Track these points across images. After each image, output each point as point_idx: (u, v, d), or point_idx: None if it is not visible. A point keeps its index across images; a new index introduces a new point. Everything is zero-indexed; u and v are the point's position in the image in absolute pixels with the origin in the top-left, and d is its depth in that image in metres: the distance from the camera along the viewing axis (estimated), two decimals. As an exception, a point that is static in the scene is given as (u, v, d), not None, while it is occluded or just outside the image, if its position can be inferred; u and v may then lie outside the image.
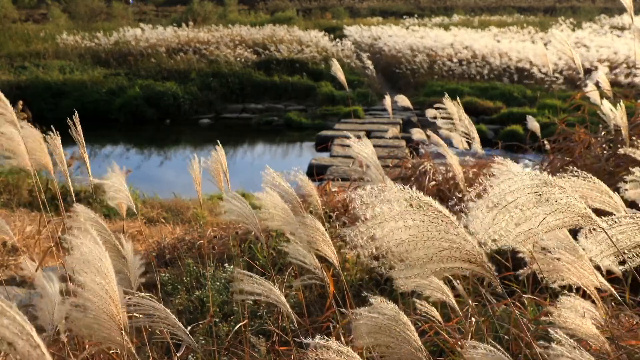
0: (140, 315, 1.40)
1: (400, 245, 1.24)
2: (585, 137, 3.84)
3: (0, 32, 19.82)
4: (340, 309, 2.13)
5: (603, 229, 1.28)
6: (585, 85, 4.24)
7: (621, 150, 2.41)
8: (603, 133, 3.83)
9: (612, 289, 1.62)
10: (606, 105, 3.28)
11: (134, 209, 2.18)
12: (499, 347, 1.26)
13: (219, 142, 2.33)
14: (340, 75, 4.63)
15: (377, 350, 1.34)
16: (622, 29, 19.40)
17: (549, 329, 1.38)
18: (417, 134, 5.00)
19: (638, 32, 3.80)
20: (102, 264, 1.15)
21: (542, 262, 1.64)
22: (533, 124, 4.45)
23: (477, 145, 4.04)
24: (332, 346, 1.11)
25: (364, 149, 2.28)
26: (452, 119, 3.94)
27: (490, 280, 1.30)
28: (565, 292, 1.78)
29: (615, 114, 3.02)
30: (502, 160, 1.53)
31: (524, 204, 1.20)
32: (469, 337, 1.96)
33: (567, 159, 3.73)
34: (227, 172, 2.25)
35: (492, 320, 2.18)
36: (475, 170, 4.44)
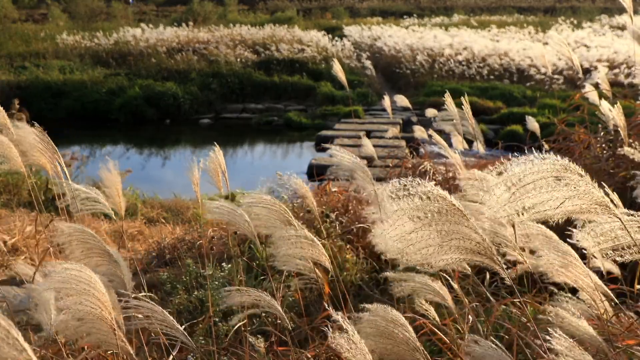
0: (140, 315, 1.40)
1: (413, 233, 1.26)
2: (585, 137, 3.84)
3: (0, 32, 19.82)
4: (337, 312, 2.13)
5: (620, 218, 1.27)
6: (584, 86, 4.24)
7: (620, 151, 2.41)
8: (602, 133, 3.83)
9: (609, 291, 1.61)
10: (605, 106, 3.28)
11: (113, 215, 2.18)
12: (499, 344, 1.26)
13: (216, 143, 2.34)
14: (341, 76, 4.63)
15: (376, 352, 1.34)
16: (623, 28, 19.40)
17: (548, 328, 1.38)
18: (418, 131, 5.00)
19: (635, 33, 3.80)
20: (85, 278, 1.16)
21: (532, 263, 1.63)
22: (532, 124, 4.45)
23: (479, 145, 4.04)
24: (347, 332, 1.12)
25: (346, 156, 2.29)
26: (452, 119, 3.94)
27: (499, 272, 1.30)
28: (562, 293, 1.78)
29: (614, 115, 3.02)
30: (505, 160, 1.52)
31: (542, 186, 1.21)
32: (465, 336, 1.96)
33: (567, 159, 3.72)
34: (225, 172, 2.25)
35: (489, 320, 2.18)
36: (475, 170, 4.43)
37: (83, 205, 2.05)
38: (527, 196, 1.20)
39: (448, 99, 3.50)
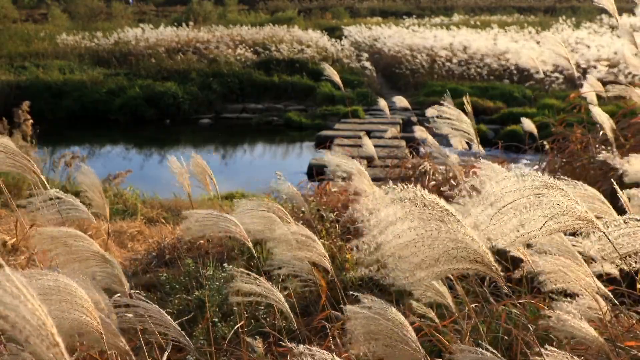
0: (131, 315, 1.40)
1: (405, 248, 1.18)
2: (582, 137, 3.85)
3: (0, 32, 19.82)
4: (336, 311, 2.13)
5: (604, 232, 1.25)
6: (581, 86, 4.27)
7: (600, 157, 2.41)
8: (601, 133, 3.84)
9: (609, 293, 1.61)
10: (596, 110, 3.30)
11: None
12: (491, 349, 1.25)
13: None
14: (335, 78, 4.66)
15: (374, 352, 1.33)
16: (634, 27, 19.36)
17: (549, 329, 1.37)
18: (419, 132, 5.00)
19: (626, 33, 3.82)
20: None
21: (536, 265, 1.63)
22: (529, 125, 4.46)
23: (476, 146, 4.04)
24: (316, 354, 1.07)
25: (344, 162, 2.25)
26: (451, 119, 3.94)
27: (496, 280, 1.25)
28: (561, 295, 1.77)
29: (602, 120, 3.05)
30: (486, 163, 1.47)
31: (523, 205, 1.16)
32: (466, 337, 1.96)
33: (564, 160, 3.74)
34: (212, 175, 2.25)
35: (492, 320, 2.18)
36: (475, 170, 4.44)
37: (65, 213, 2.03)
38: (508, 217, 1.16)
39: (447, 101, 3.50)
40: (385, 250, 1.21)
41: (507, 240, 1.18)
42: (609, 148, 3.25)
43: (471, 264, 1.21)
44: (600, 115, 3.19)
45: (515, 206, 1.17)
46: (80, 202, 2.07)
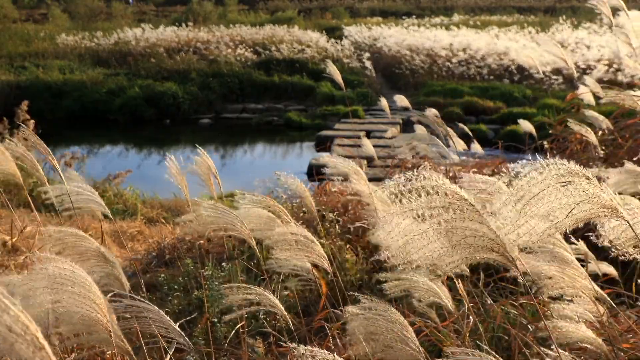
0: (128, 315, 1.40)
1: (423, 235, 1.17)
2: (581, 137, 3.85)
3: (0, 32, 19.82)
4: (335, 310, 2.13)
5: (628, 222, 1.24)
6: (577, 88, 4.30)
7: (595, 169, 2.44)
8: (600, 133, 3.85)
9: (606, 296, 1.61)
10: (591, 114, 3.33)
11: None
12: (489, 349, 1.25)
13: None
14: (337, 76, 4.67)
15: (374, 353, 1.33)
16: (622, 27, 19.34)
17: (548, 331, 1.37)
18: (419, 130, 5.02)
19: (623, 34, 3.84)
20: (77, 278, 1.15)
21: (532, 269, 1.63)
22: (526, 125, 4.48)
23: (458, 148, 4.10)
24: (317, 355, 1.07)
25: (340, 163, 2.25)
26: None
27: (512, 270, 1.23)
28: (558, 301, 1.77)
29: (583, 132, 3.08)
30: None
31: (549, 194, 1.16)
32: (465, 337, 1.96)
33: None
34: (217, 174, 2.25)
35: (490, 321, 2.19)
36: (475, 170, 4.45)
37: (84, 204, 2.06)
38: (537, 207, 1.15)
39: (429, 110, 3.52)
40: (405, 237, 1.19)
41: (535, 234, 1.16)
42: (596, 154, 3.28)
43: (488, 253, 1.19)
44: (579, 128, 3.22)
45: (542, 196, 1.16)
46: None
